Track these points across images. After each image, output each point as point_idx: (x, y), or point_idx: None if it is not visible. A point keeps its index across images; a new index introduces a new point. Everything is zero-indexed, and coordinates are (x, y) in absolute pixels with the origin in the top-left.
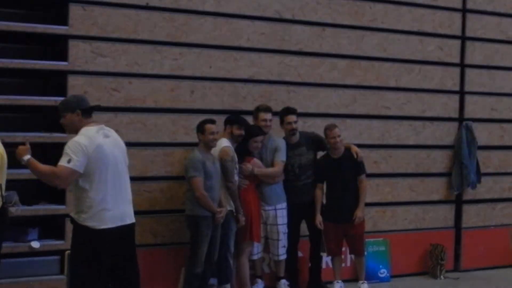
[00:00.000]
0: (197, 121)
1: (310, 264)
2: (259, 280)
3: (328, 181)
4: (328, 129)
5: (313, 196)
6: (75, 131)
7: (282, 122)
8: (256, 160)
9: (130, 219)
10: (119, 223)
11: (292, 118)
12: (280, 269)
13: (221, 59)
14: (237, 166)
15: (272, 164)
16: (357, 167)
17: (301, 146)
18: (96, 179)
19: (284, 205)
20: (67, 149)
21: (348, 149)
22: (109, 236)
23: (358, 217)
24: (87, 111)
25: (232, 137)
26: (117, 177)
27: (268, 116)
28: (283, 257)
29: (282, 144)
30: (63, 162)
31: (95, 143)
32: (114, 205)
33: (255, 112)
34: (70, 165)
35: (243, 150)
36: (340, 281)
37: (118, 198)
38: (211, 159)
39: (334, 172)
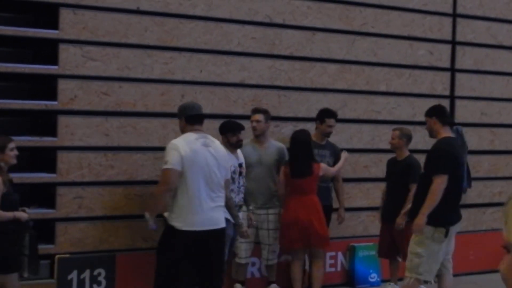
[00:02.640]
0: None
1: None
2: (238, 285)
3: (387, 180)
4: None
5: (325, 202)
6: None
7: (321, 123)
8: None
9: (217, 225)
10: (202, 228)
11: (333, 122)
12: (271, 273)
13: (212, 63)
14: (233, 174)
15: (278, 167)
16: (409, 174)
17: (325, 149)
18: (185, 183)
19: (277, 210)
20: (165, 152)
21: (412, 156)
22: (190, 238)
23: (396, 223)
24: (189, 119)
25: (230, 145)
26: (208, 184)
27: (256, 117)
28: (272, 262)
29: (285, 149)
30: (163, 165)
31: (191, 147)
32: (198, 211)
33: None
34: (168, 166)
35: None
36: (392, 283)
37: (202, 205)
38: None
39: (390, 173)
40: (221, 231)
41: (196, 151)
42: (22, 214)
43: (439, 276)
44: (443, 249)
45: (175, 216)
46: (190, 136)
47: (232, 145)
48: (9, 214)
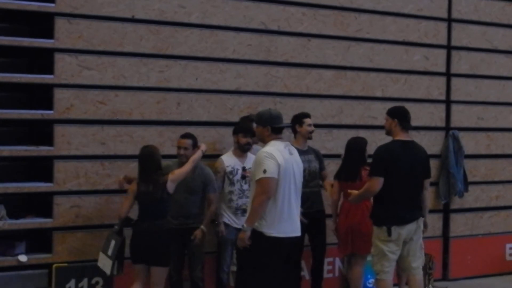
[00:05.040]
0: (184, 133)
1: (311, 276)
2: None
3: None
4: None
5: (319, 207)
6: (262, 141)
7: (300, 125)
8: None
9: (299, 232)
10: (290, 234)
11: (310, 121)
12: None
13: (207, 70)
14: (233, 177)
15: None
16: None
17: (309, 154)
18: (280, 190)
19: None
20: (260, 161)
21: None
22: (281, 245)
23: None
24: (276, 130)
25: (239, 147)
26: (294, 192)
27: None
28: None
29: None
30: (260, 174)
31: (283, 157)
32: (288, 217)
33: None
34: (268, 175)
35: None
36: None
37: (292, 211)
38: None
39: None
40: (301, 238)
41: (287, 160)
42: None
43: (408, 278)
44: (393, 249)
45: (265, 223)
46: (279, 145)
47: (240, 147)
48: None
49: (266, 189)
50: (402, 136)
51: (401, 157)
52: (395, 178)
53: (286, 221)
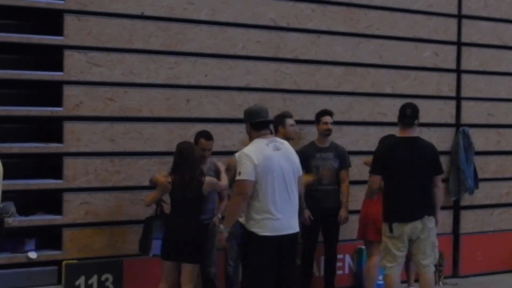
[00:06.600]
0: (193, 129)
1: (324, 271)
2: None
3: None
4: None
5: (334, 204)
6: (250, 138)
7: (318, 122)
8: None
9: (293, 229)
10: (281, 233)
11: (328, 118)
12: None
13: (217, 67)
14: None
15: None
16: None
17: (329, 151)
18: (263, 188)
19: None
20: (238, 162)
21: None
22: (271, 244)
23: None
24: (255, 126)
25: None
26: (283, 188)
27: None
28: None
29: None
30: (236, 176)
31: (263, 154)
32: (278, 215)
33: (281, 119)
34: (241, 177)
35: None
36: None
37: (283, 208)
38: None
39: None
40: (295, 235)
41: (269, 157)
42: None
43: (419, 276)
44: (398, 246)
45: (254, 222)
46: (261, 143)
47: None
48: None
49: (241, 190)
50: (404, 133)
51: (397, 154)
52: (393, 175)
53: (275, 220)
